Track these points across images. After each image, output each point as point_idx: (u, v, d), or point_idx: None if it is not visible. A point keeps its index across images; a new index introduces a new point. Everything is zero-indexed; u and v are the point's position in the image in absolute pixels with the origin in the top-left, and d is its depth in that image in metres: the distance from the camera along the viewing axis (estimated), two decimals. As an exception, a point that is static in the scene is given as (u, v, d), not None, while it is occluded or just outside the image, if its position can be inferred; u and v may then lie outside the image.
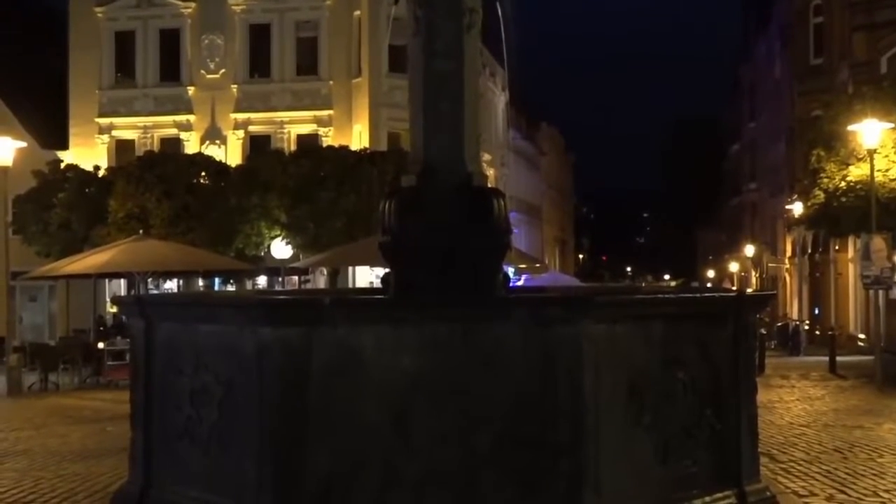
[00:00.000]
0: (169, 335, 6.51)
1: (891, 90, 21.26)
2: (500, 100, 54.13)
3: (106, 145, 39.80)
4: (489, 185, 7.08)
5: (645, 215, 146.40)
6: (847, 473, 9.01)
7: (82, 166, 33.23)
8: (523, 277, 33.57)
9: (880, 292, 21.13)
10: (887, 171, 19.62)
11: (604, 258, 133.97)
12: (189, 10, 39.47)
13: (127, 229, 28.06)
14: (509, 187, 51.40)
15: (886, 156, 19.65)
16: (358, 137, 36.93)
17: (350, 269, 32.31)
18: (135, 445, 6.75)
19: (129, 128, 40.00)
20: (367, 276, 31.60)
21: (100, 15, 39.84)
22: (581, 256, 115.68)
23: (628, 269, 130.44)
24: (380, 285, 6.81)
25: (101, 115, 39.93)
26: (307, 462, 5.59)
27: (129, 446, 6.86)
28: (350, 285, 31.48)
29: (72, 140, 39.53)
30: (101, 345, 22.94)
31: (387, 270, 6.63)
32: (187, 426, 6.20)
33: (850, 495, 8.05)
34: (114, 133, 40.07)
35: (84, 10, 39.70)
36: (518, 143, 62.77)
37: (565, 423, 5.58)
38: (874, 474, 8.95)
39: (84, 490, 8.68)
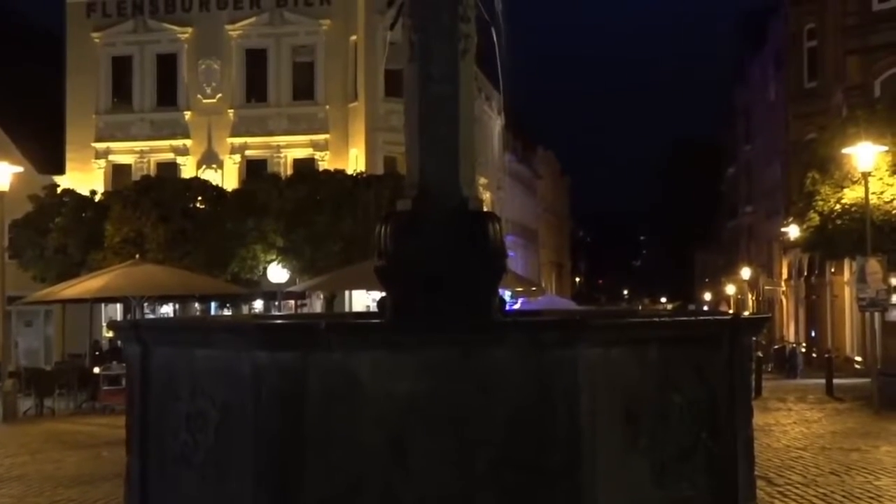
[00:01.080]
0: (165, 360, 6.49)
1: (884, 113, 21.38)
2: (496, 124, 54.34)
3: (102, 170, 39.88)
4: (485, 209, 7.11)
5: (641, 238, 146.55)
6: (844, 496, 9.00)
7: (79, 191, 33.27)
8: (520, 301, 33.62)
9: (876, 315, 21.15)
10: (881, 193, 19.69)
11: (600, 281, 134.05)
12: (186, 36, 39.65)
13: (123, 254, 28.07)
14: (505, 211, 51.50)
15: (881, 178, 19.74)
16: (354, 161, 37.02)
17: (347, 293, 32.30)
18: (130, 471, 6.73)
19: (125, 152, 40.08)
20: (363, 300, 31.60)
21: (97, 40, 40.00)
22: (577, 279, 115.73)
23: (625, 291, 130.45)
24: (376, 309, 6.82)
25: (97, 140, 40.02)
26: (304, 486, 5.58)
27: (125, 471, 6.83)
28: (347, 309, 31.45)
29: (68, 165, 39.60)
30: (96, 369, 22.90)
31: (383, 294, 6.63)
32: (183, 451, 6.18)
33: (847, 518, 8.05)
34: (110, 157, 40.15)
35: (81, 34, 39.87)
36: (514, 167, 62.96)
37: (562, 447, 5.57)
38: (871, 497, 8.95)
39: (79, 516, 8.66)
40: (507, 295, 26.13)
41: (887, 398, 18.37)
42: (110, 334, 28.60)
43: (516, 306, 29.52)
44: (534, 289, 35.07)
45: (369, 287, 22.72)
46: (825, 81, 37.08)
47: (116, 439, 9.29)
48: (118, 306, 31.76)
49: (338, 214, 28.92)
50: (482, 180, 43.54)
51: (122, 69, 40.32)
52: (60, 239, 30.77)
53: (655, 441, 5.96)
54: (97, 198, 32.64)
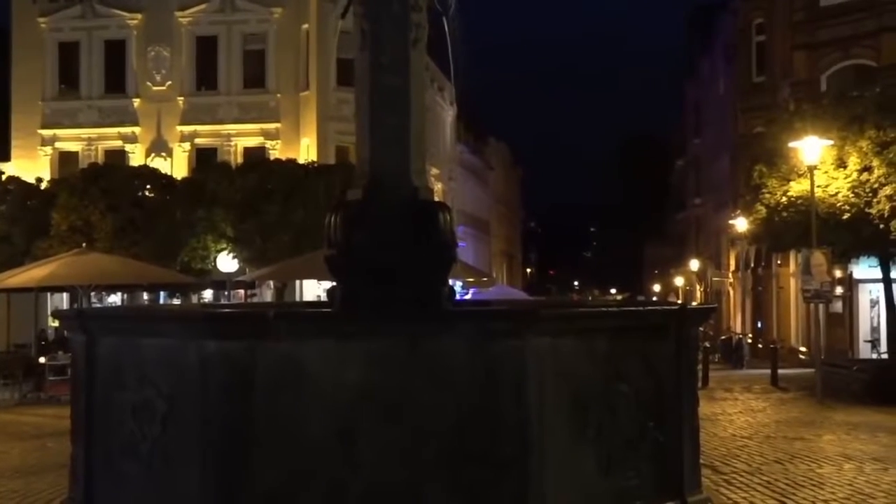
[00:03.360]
0: (111, 349, 6.44)
1: (830, 108, 21.65)
2: (449, 114, 54.33)
3: (49, 157, 39.27)
4: (436, 199, 7.11)
5: (592, 230, 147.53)
6: (787, 484, 9.14)
7: (24, 178, 32.73)
8: (471, 291, 33.66)
9: (820, 306, 21.48)
10: (827, 186, 19.95)
11: (551, 272, 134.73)
12: (135, 22, 39.13)
13: (70, 242, 27.65)
14: (457, 201, 51.53)
15: (826, 172, 19.99)
16: (305, 151, 36.80)
17: (297, 282, 32.14)
18: (76, 461, 6.66)
19: (72, 139, 39.49)
20: (314, 290, 31.45)
21: (43, 25, 39.34)
22: (529, 270, 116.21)
23: (575, 283, 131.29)
24: (326, 299, 6.80)
25: (44, 127, 39.39)
26: (251, 476, 5.56)
27: (70, 462, 6.76)
28: (297, 299, 31.30)
29: (14, 152, 38.94)
30: (42, 359, 22.56)
31: (333, 284, 6.62)
32: (130, 442, 6.13)
33: (790, 506, 8.18)
34: (57, 145, 39.54)
35: (27, 20, 39.18)
36: (466, 158, 62.98)
37: (510, 437, 5.61)
38: (814, 485, 9.10)
39: (23, 507, 8.54)
40: (457, 285, 26.17)
41: (830, 388, 18.68)
42: (56, 324, 28.21)
43: (467, 296, 29.57)
44: (485, 279, 35.10)
45: (320, 277, 22.58)
46: (773, 76, 37.54)
47: (62, 430, 9.19)
48: (64, 295, 31.32)
49: (288, 204, 28.71)
50: (434, 171, 43.51)
51: (69, 55, 39.68)
52: (5, 227, 30.25)
53: (603, 430, 6.03)
54: (43, 185, 32.15)
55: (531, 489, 5.60)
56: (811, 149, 19.24)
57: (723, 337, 41.37)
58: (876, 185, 19.42)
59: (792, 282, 33.98)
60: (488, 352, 5.64)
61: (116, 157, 37.73)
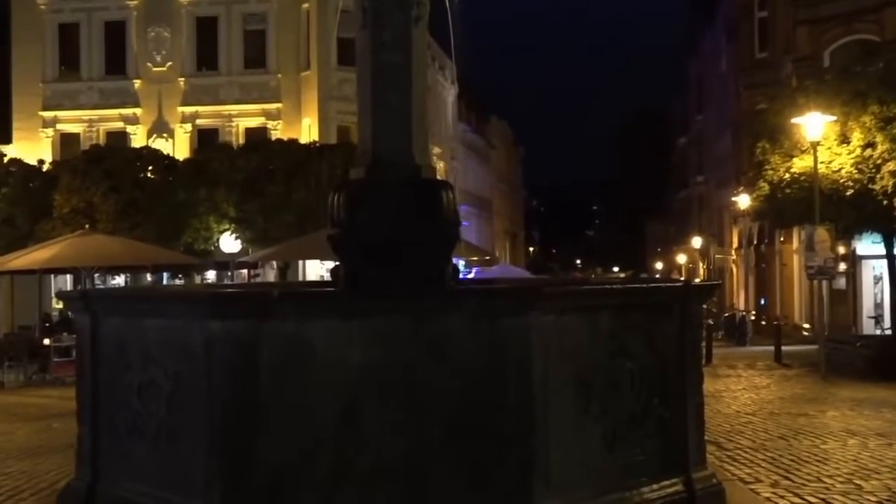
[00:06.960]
0: (115, 330, 6.45)
1: (833, 84, 21.53)
2: (450, 93, 54.19)
3: (50, 139, 39.25)
4: (438, 178, 7.09)
5: (594, 208, 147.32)
6: (791, 460, 9.16)
7: (26, 160, 32.72)
8: (474, 270, 33.72)
9: (824, 282, 21.48)
10: (830, 163, 19.88)
11: (554, 251, 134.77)
12: (135, 3, 39.01)
13: (72, 224, 27.69)
14: (459, 180, 51.48)
15: (829, 148, 19.91)
16: (307, 131, 36.76)
17: (300, 262, 32.17)
18: (82, 442, 6.69)
19: (73, 121, 39.45)
20: (317, 270, 31.49)
21: (43, 7, 39.24)
22: (531, 249, 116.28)
23: (578, 261, 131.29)
24: (330, 279, 6.80)
25: (44, 109, 39.34)
26: (257, 455, 5.58)
27: (76, 443, 6.79)
28: (300, 279, 31.33)
29: (15, 134, 38.89)
30: (46, 341, 22.61)
31: (337, 264, 6.61)
32: (135, 421, 6.15)
33: (794, 481, 8.20)
34: (58, 126, 39.51)
35: (26, 1, 39.07)
36: (468, 137, 62.87)
37: (514, 414, 5.62)
38: (818, 460, 9.12)
39: (30, 487, 8.56)
40: (460, 264, 26.16)
41: (834, 364, 18.69)
42: (60, 305, 28.27)
43: (470, 275, 29.59)
44: (488, 258, 35.20)
45: (323, 257, 22.62)
46: (775, 52, 37.37)
47: (67, 411, 9.20)
48: (68, 277, 31.36)
49: (291, 184, 28.71)
50: (436, 150, 43.46)
51: (69, 37, 39.57)
52: (8, 209, 30.28)
53: (607, 407, 6.04)
54: (45, 167, 32.14)
55: (536, 466, 5.62)
56: (814, 125, 19.16)
57: (726, 314, 41.41)
58: (879, 161, 19.34)
59: (795, 258, 33.94)
60: (493, 329, 5.64)
61: (118, 139, 37.72)
